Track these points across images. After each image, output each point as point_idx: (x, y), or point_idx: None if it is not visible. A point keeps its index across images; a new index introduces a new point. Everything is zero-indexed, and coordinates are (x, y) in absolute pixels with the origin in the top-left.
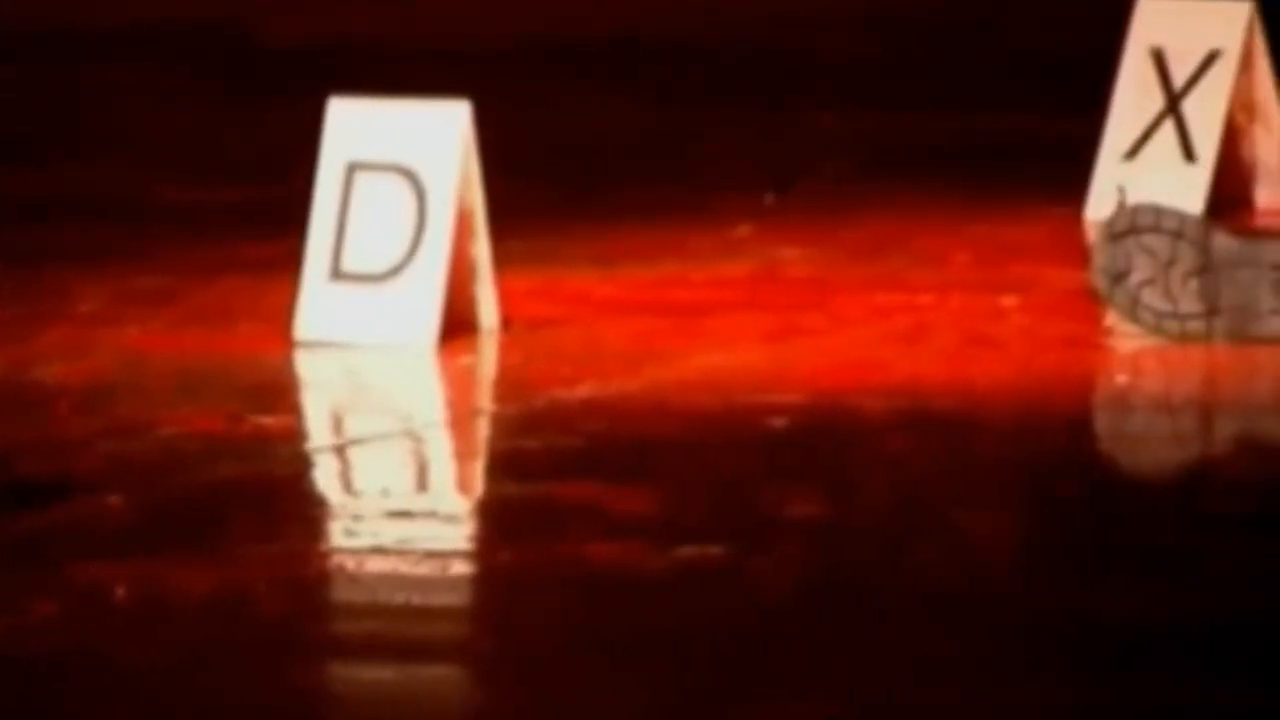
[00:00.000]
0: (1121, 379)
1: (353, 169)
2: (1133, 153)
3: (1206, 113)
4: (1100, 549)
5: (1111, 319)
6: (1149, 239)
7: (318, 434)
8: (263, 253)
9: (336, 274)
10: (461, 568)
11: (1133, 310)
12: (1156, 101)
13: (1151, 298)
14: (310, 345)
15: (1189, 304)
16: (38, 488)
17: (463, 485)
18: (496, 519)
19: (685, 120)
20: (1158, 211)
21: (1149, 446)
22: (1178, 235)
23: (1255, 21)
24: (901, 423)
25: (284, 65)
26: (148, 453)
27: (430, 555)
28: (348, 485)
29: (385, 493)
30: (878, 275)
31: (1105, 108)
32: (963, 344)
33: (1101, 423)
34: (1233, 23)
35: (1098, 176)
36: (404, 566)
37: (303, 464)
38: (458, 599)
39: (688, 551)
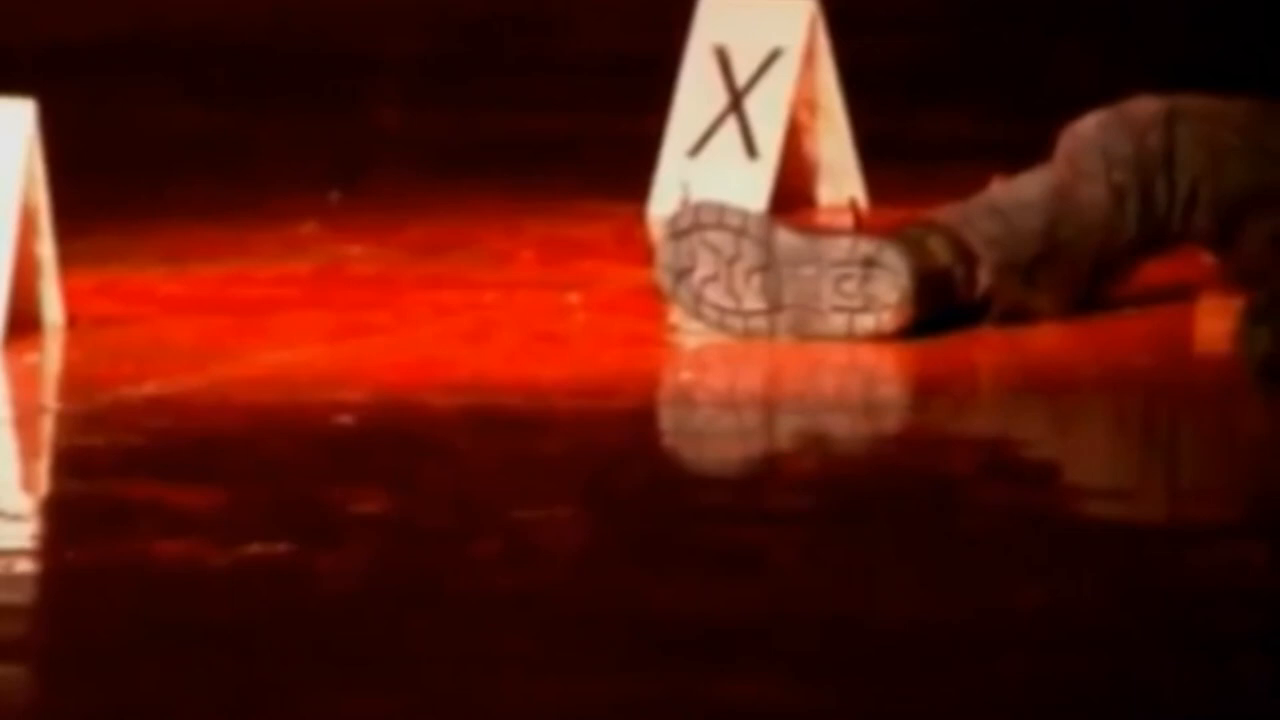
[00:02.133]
0: (685, 375)
1: None
2: (696, 150)
3: (769, 110)
4: (662, 545)
5: (675, 316)
6: (712, 236)
7: None
8: None
9: None
10: (25, 566)
11: (696, 307)
12: (719, 99)
13: (715, 294)
14: None
15: (752, 301)
16: None
17: (27, 483)
18: (61, 517)
19: (250, 118)
20: (721, 208)
21: (712, 442)
22: (741, 232)
23: (818, 20)
24: (466, 420)
25: None
26: None
27: None
28: None
29: None
30: (442, 273)
31: (669, 106)
32: (527, 341)
33: (665, 419)
34: (795, 21)
35: (661, 174)
36: None
37: None
38: (22, 597)
39: (253, 549)
